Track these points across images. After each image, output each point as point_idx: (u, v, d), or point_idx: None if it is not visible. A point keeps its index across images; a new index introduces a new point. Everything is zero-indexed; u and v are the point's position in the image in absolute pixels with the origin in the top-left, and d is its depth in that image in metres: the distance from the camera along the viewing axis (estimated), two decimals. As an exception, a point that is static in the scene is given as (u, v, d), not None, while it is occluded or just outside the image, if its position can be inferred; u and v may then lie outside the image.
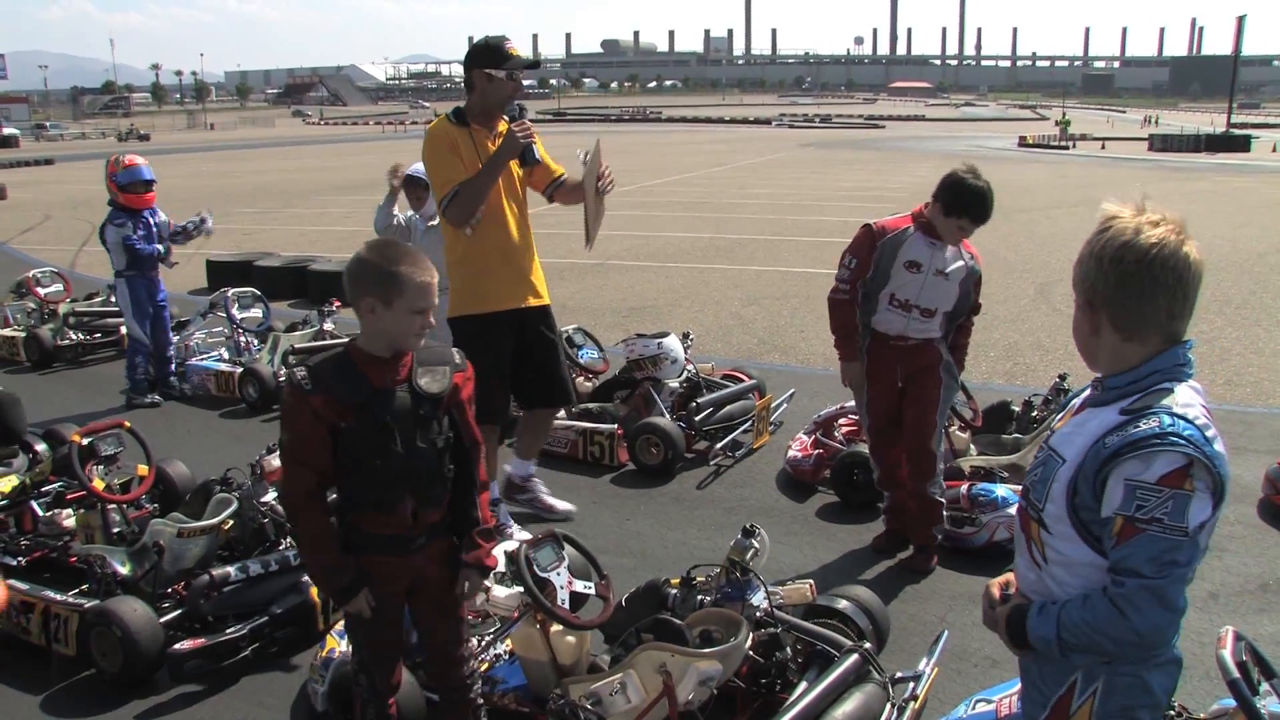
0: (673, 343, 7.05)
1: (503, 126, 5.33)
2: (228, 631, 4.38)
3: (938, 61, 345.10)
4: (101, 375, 9.40)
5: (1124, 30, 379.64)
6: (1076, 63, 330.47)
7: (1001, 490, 5.41)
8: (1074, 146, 50.31)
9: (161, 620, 4.38)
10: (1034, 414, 6.35)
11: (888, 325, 5.13)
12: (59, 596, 4.59)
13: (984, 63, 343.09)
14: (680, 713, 3.49)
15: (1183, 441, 2.04)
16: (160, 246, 8.23)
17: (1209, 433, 2.11)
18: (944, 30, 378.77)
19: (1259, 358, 9.62)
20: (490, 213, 5.28)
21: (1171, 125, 66.43)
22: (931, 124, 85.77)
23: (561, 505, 5.97)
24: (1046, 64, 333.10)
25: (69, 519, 5.26)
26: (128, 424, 5.37)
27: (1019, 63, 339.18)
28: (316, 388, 2.96)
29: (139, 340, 8.38)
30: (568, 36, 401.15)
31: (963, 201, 4.91)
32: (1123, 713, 2.25)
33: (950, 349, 5.24)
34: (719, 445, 6.70)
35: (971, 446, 6.22)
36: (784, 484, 6.43)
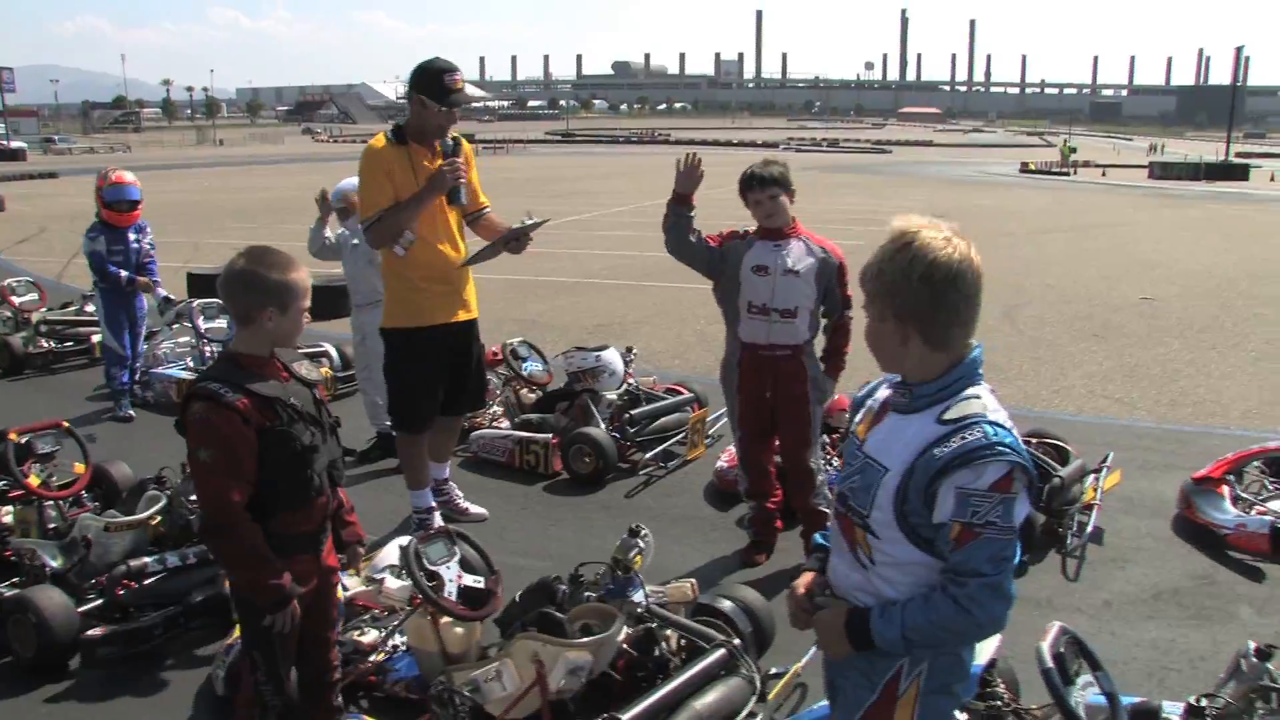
0: (611, 356, 7.25)
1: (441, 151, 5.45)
2: (141, 619, 4.56)
3: (947, 87, 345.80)
4: (70, 382, 9.60)
5: (1132, 59, 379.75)
6: (1085, 90, 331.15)
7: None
8: (1075, 173, 50.47)
9: (82, 610, 4.56)
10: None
11: (753, 334, 5.31)
12: (-19, 585, 4.77)
13: (993, 89, 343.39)
14: (552, 701, 3.66)
15: (1007, 450, 2.22)
16: (125, 273, 8.22)
17: (1016, 434, 2.30)
18: (954, 57, 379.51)
19: (1207, 380, 9.77)
20: (425, 232, 5.37)
21: (1176, 154, 66.55)
22: (938, 149, 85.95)
23: (475, 509, 6.16)
24: (1055, 91, 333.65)
25: (7, 515, 5.43)
26: (65, 423, 5.55)
27: (1028, 90, 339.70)
28: (237, 392, 3.05)
29: (113, 351, 8.50)
30: (579, 58, 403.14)
31: (742, 182, 5.30)
32: (943, 688, 2.44)
33: (827, 353, 5.40)
34: (648, 455, 6.88)
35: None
36: (711, 494, 6.60)
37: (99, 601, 4.69)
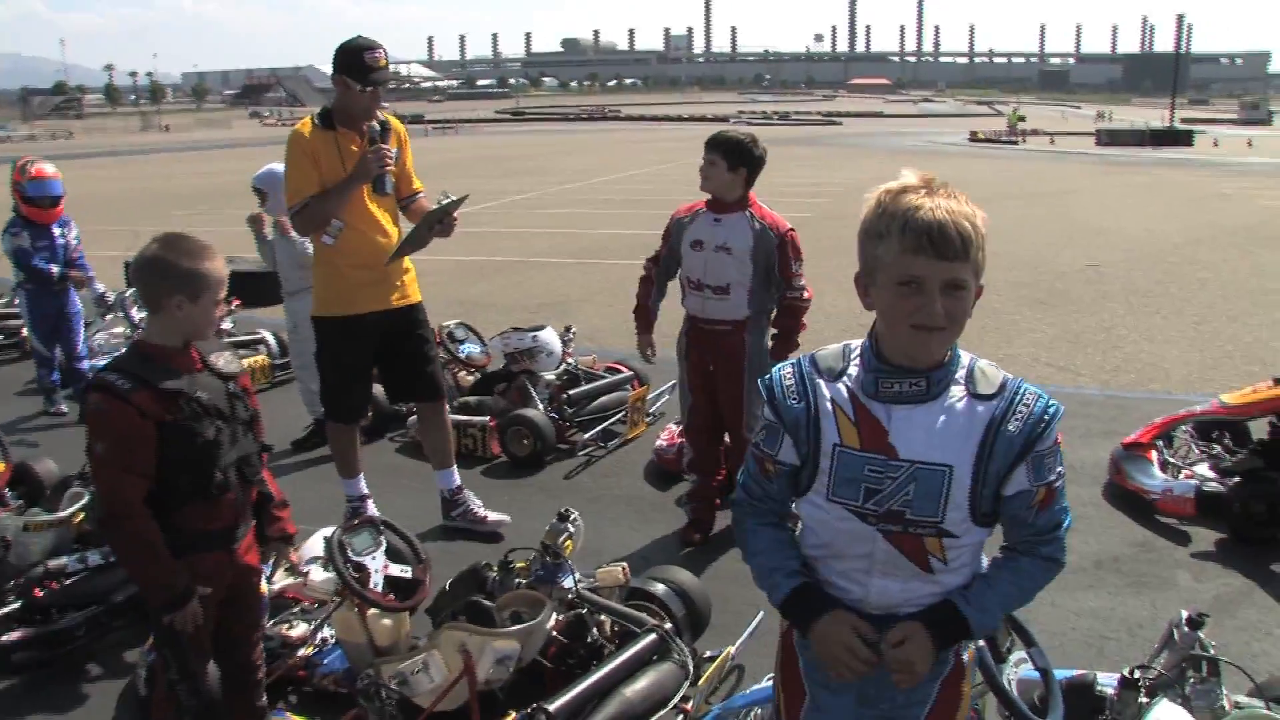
0: (548, 335, 7.17)
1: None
2: (61, 622, 4.43)
3: (896, 58, 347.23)
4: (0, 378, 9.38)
5: (1078, 27, 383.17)
6: (1033, 59, 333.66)
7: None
8: (1023, 141, 50.85)
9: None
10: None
11: (692, 307, 5.32)
12: (-109, 591, 4.61)
13: (942, 59, 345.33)
14: (481, 692, 3.59)
15: (1054, 402, 2.10)
16: (56, 267, 7.78)
17: None
18: (902, 28, 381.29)
19: (1150, 345, 9.84)
20: (353, 218, 5.18)
21: (1123, 120, 67.15)
22: (888, 120, 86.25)
23: (494, 516, 5.77)
24: (1004, 60, 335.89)
25: (-75, 516, 5.25)
26: (-20, 420, 5.39)
27: (977, 59, 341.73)
28: (136, 385, 2.97)
29: (39, 353, 8.18)
30: (527, 36, 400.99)
31: (722, 148, 5.12)
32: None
33: (774, 336, 5.34)
34: (587, 435, 6.81)
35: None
36: (651, 473, 6.54)
37: (16, 604, 4.54)
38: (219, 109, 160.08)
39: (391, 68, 5.44)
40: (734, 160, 5.06)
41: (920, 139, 54.34)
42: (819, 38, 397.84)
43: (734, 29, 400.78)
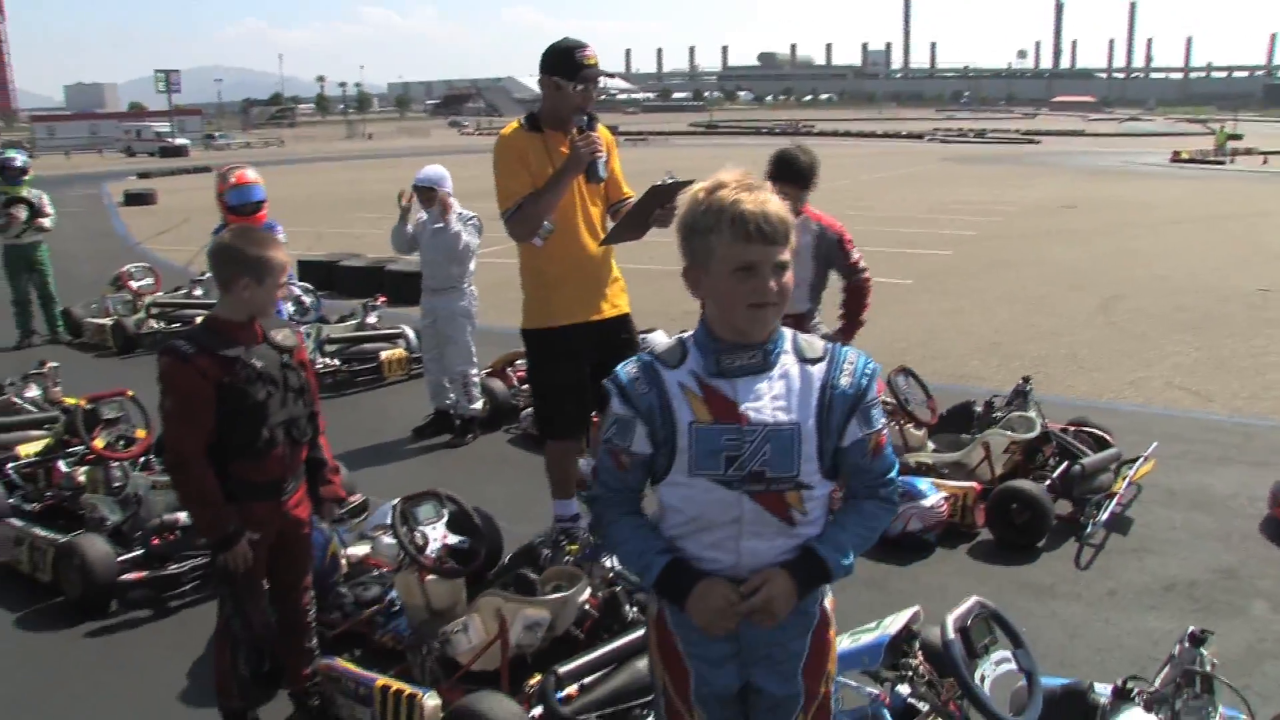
0: (658, 338, 7.42)
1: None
2: (171, 568, 5.10)
3: (1104, 74, 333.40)
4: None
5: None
6: (1259, 72, 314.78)
7: (924, 484, 5.66)
8: (1232, 161, 48.12)
9: (122, 558, 5.07)
10: (995, 414, 6.49)
11: None
12: (42, 532, 5.35)
13: (1154, 75, 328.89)
14: (512, 656, 3.91)
15: (873, 361, 2.42)
16: None
17: None
18: (1110, 42, 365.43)
19: (1302, 374, 9.43)
20: (562, 223, 4.96)
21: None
22: (1089, 139, 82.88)
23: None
24: (1224, 74, 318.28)
25: (82, 474, 5.95)
26: (130, 392, 6.05)
27: (1193, 74, 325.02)
28: (199, 350, 3.48)
29: None
30: (724, 49, 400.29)
31: (776, 168, 5.51)
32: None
33: (842, 316, 5.83)
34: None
35: (929, 443, 6.48)
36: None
37: (140, 551, 5.19)
38: (420, 118, 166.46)
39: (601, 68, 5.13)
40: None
41: (1117, 159, 52.13)
42: (1022, 54, 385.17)
43: (933, 44, 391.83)
